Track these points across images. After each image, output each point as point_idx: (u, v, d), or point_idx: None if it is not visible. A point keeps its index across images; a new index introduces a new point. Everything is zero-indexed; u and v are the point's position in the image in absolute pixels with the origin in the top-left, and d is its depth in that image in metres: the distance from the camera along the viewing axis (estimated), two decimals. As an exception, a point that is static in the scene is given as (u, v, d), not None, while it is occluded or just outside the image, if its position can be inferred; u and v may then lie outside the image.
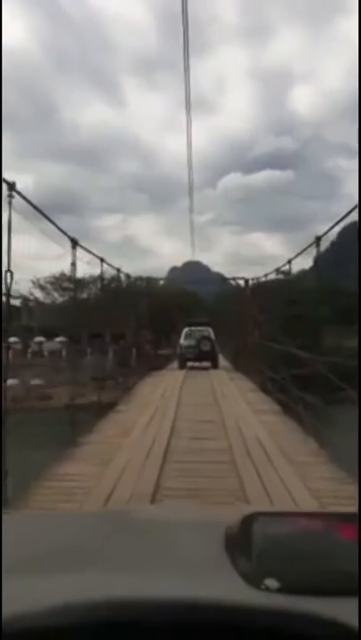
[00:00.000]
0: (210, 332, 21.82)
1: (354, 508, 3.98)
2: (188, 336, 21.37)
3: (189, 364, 20.04)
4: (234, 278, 18.18)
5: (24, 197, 5.49)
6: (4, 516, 1.51)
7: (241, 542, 0.91)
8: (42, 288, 33.78)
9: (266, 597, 0.70)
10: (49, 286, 34.67)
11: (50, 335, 29.44)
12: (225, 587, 0.76)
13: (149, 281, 32.84)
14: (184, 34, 7.04)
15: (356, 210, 6.58)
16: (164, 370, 20.40)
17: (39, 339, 30.25)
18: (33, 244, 6.96)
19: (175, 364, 21.16)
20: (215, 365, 20.39)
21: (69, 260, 8.34)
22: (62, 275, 26.89)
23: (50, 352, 27.96)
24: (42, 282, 33.04)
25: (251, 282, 17.36)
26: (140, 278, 22.79)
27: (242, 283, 17.26)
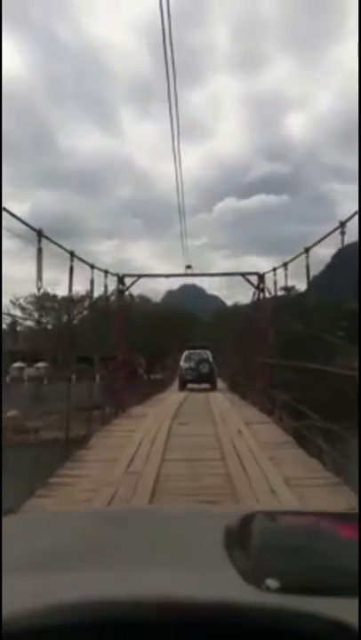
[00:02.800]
0: (208, 354, 23.07)
1: None
2: (187, 359, 22.69)
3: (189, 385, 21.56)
4: (244, 274, 15.59)
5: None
6: (3, 516, 1.39)
7: (241, 542, 0.92)
8: (22, 309, 31.37)
9: (266, 597, 0.71)
10: (30, 307, 32.32)
11: (30, 360, 27.15)
12: (225, 586, 0.76)
13: (143, 299, 31.15)
14: (166, 62, 7.17)
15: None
16: (155, 398, 18.39)
17: (18, 364, 27.92)
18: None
19: (168, 392, 21.33)
20: (213, 387, 21.60)
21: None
22: (45, 294, 24.94)
23: (30, 378, 25.66)
24: (22, 302, 30.54)
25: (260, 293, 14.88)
26: (131, 296, 20.58)
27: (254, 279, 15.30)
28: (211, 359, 22.67)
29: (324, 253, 10.06)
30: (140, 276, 15.28)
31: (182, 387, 21.64)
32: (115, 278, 13.89)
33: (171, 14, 6.41)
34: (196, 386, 21.21)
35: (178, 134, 10.94)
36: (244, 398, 16.67)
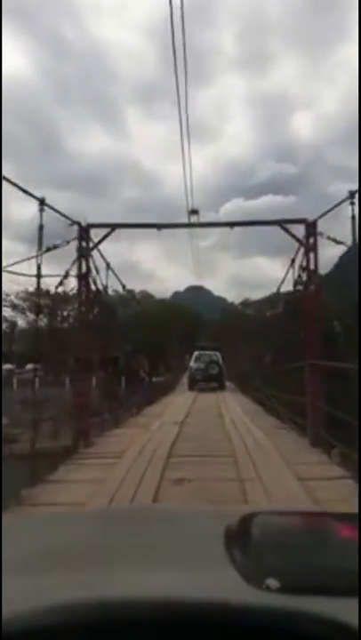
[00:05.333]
0: (218, 356, 23.71)
1: None
2: (197, 359, 23.48)
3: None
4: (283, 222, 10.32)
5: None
6: (4, 516, 1.56)
7: (241, 542, 0.94)
8: (14, 307, 29.48)
9: (266, 597, 0.74)
10: (22, 304, 30.44)
11: (20, 362, 25.31)
12: (226, 586, 0.79)
13: (146, 296, 30.15)
14: (175, 64, 7.02)
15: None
16: (157, 403, 16.68)
17: (7, 366, 26.10)
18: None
19: (172, 397, 20.30)
20: (222, 387, 22.68)
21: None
22: (38, 289, 23.21)
23: (20, 382, 23.78)
24: (13, 298, 28.61)
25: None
26: (131, 292, 18.69)
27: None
28: (220, 361, 23.62)
29: (333, 254, 9.40)
30: (113, 227, 9.57)
31: (192, 387, 22.83)
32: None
33: (178, 16, 6.09)
34: (204, 391, 21.48)
35: (188, 135, 9.11)
36: (268, 413, 12.80)
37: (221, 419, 11.26)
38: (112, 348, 17.53)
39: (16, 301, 30.12)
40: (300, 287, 9.57)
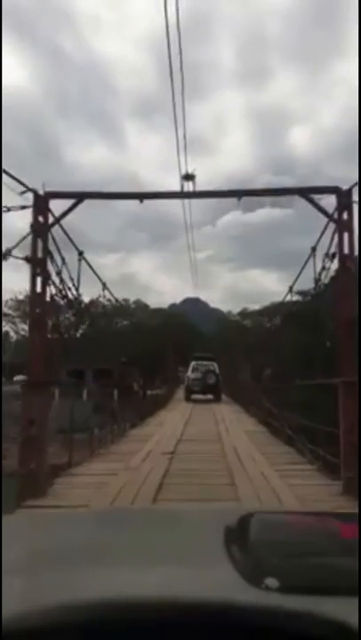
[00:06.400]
0: (215, 366, 23.94)
1: None
2: (194, 370, 23.67)
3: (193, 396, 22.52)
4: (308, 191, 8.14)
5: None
6: (4, 516, 1.43)
7: (241, 542, 0.94)
8: (4, 315, 28.80)
9: (266, 596, 0.74)
10: (12, 313, 29.81)
11: (13, 373, 24.55)
12: (225, 586, 0.79)
13: (142, 306, 30.45)
14: (171, 79, 6.93)
15: None
16: (147, 423, 15.09)
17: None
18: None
19: (165, 412, 19.17)
20: (218, 399, 23.09)
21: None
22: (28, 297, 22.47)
23: (5, 395, 22.98)
24: (4, 307, 27.94)
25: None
26: (125, 301, 18.06)
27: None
28: (217, 370, 23.97)
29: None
30: (81, 197, 7.43)
31: (188, 397, 23.24)
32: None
33: (176, 30, 6.54)
34: (200, 402, 21.33)
35: (185, 148, 9.71)
36: (275, 436, 11.05)
37: (221, 444, 9.60)
38: (106, 360, 16.93)
39: (5, 310, 29.52)
40: (322, 285, 7.65)
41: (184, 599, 0.69)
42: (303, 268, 8.47)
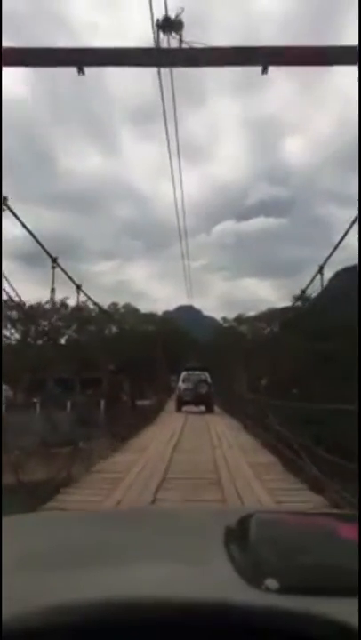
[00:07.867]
0: (207, 376, 23.89)
1: None
2: (186, 380, 23.60)
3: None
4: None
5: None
6: (3, 516, 1.33)
7: (241, 542, 0.95)
8: None
9: (266, 597, 0.74)
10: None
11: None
12: (225, 586, 0.80)
13: (131, 310, 30.58)
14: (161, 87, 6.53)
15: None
16: (131, 444, 12.42)
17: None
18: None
19: (154, 428, 17.90)
20: (210, 410, 22.91)
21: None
22: (9, 301, 21.27)
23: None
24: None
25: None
26: (114, 305, 17.33)
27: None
28: (209, 380, 24.00)
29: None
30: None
31: (179, 408, 23.02)
32: None
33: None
34: (193, 413, 21.08)
35: (178, 157, 8.90)
36: (288, 469, 8.33)
37: (220, 488, 6.98)
38: (94, 368, 16.13)
39: None
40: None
41: (184, 599, 0.69)
42: (342, 240, 7.08)
